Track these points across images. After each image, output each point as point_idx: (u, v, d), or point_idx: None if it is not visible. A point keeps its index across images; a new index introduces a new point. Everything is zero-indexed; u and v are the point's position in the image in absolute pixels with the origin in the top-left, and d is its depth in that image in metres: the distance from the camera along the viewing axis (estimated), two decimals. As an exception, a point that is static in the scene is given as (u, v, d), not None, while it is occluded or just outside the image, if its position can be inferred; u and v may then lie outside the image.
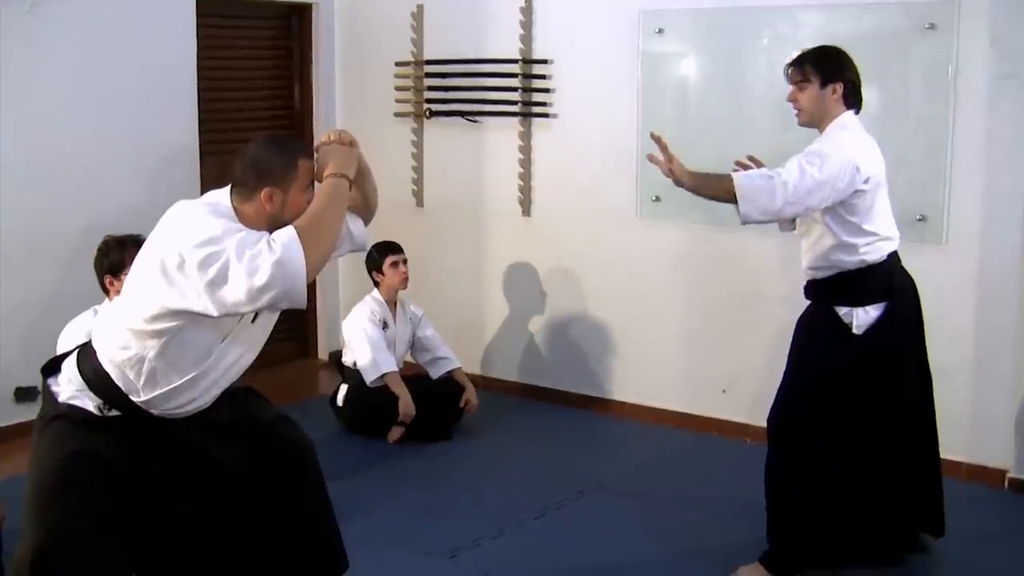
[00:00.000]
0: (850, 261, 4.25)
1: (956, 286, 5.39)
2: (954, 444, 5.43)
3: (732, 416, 6.11)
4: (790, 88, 4.35)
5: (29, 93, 5.80)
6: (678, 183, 4.26)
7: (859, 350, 4.26)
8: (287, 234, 2.86)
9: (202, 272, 2.82)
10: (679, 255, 6.25)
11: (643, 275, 6.38)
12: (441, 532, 4.86)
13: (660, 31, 6.14)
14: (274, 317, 3.26)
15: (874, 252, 4.26)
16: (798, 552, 4.36)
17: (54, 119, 5.94)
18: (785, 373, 4.47)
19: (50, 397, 3.20)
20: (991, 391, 5.39)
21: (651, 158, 4.28)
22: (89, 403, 3.13)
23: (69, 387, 3.16)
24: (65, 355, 3.27)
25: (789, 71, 4.36)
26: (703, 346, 6.22)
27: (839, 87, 4.27)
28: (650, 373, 6.43)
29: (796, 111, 4.36)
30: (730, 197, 4.15)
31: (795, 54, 4.42)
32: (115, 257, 4.12)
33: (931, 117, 5.37)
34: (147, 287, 2.96)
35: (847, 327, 4.26)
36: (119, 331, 3.07)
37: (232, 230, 2.88)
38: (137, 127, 6.30)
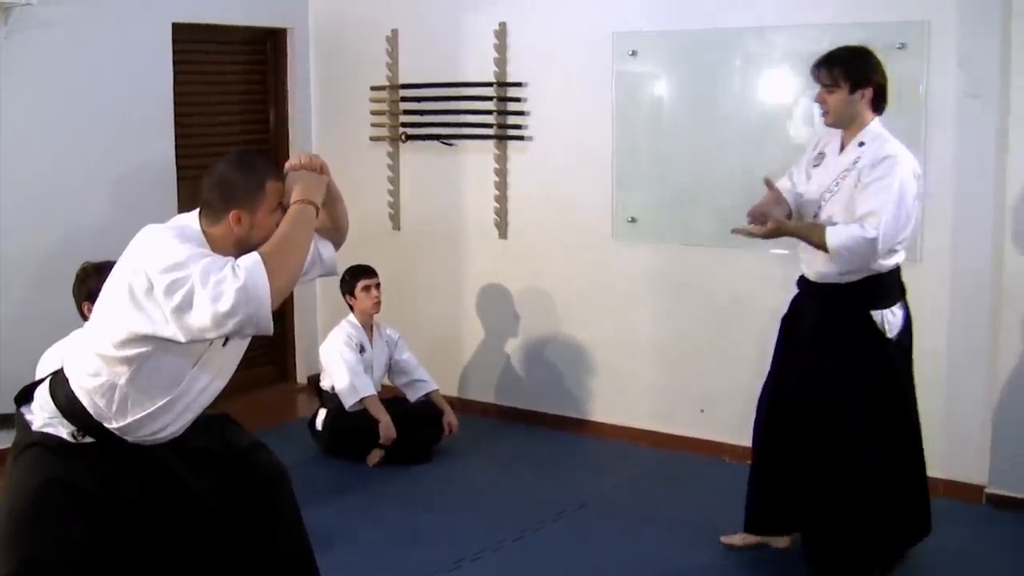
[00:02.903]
0: (888, 264, 4.34)
1: (929, 303, 5.42)
2: (929, 460, 5.46)
3: (710, 435, 6.12)
4: (819, 89, 4.40)
5: (4, 118, 5.79)
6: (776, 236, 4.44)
7: (894, 352, 4.42)
8: (251, 259, 2.84)
9: (168, 298, 2.80)
10: (655, 275, 6.28)
11: (619, 295, 6.41)
12: (421, 556, 4.85)
13: (633, 53, 6.18)
14: (245, 342, 3.23)
15: (903, 254, 4.40)
16: (872, 547, 4.45)
17: (30, 143, 5.92)
18: (799, 382, 4.53)
19: (23, 425, 3.17)
20: (965, 407, 5.42)
21: (739, 231, 4.46)
22: (63, 430, 3.10)
23: (42, 415, 3.13)
24: (38, 383, 3.25)
25: (819, 73, 4.38)
26: (679, 366, 6.24)
27: (868, 92, 4.35)
28: (627, 393, 6.45)
29: (823, 112, 4.42)
30: (826, 249, 4.26)
31: (824, 54, 4.44)
32: (93, 283, 4.09)
33: (903, 135, 5.38)
34: (116, 313, 2.94)
35: (881, 331, 4.36)
36: (89, 357, 3.05)
37: (197, 255, 2.86)
38: (114, 152, 6.30)
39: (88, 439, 3.11)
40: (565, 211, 6.53)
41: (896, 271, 4.41)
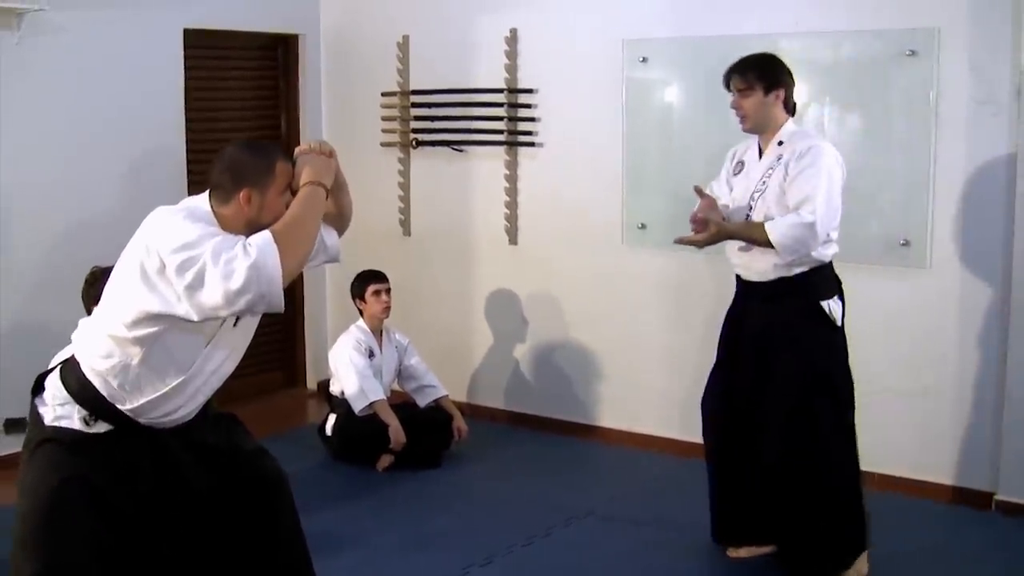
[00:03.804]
0: (827, 253, 4.41)
1: (939, 309, 5.43)
2: (940, 467, 5.47)
3: (719, 441, 6.10)
4: (733, 95, 4.49)
5: (17, 123, 5.82)
6: (718, 240, 4.49)
7: (842, 341, 4.49)
8: (262, 238, 2.88)
9: (180, 277, 2.84)
10: (665, 281, 6.28)
11: (629, 301, 6.41)
12: (430, 561, 4.85)
13: (644, 59, 6.19)
14: (255, 321, 3.27)
15: (836, 245, 4.44)
16: (854, 533, 4.47)
17: (42, 149, 5.95)
18: (759, 378, 4.54)
19: (36, 420, 3.18)
20: (975, 413, 5.41)
21: (682, 240, 4.55)
22: (75, 416, 3.11)
23: (53, 403, 3.14)
24: (50, 371, 3.26)
25: (732, 79, 4.49)
26: (689, 372, 6.21)
27: (781, 93, 4.46)
28: (636, 399, 6.45)
29: (741, 118, 4.51)
30: (768, 245, 4.32)
31: (734, 61, 4.54)
32: (102, 287, 4.11)
33: (913, 142, 5.41)
34: (128, 293, 2.96)
35: (832, 320, 4.41)
36: (101, 340, 3.07)
37: (209, 234, 2.89)
38: (124, 157, 6.32)
39: (101, 425, 3.11)
40: (575, 217, 6.53)
41: (832, 264, 4.47)
